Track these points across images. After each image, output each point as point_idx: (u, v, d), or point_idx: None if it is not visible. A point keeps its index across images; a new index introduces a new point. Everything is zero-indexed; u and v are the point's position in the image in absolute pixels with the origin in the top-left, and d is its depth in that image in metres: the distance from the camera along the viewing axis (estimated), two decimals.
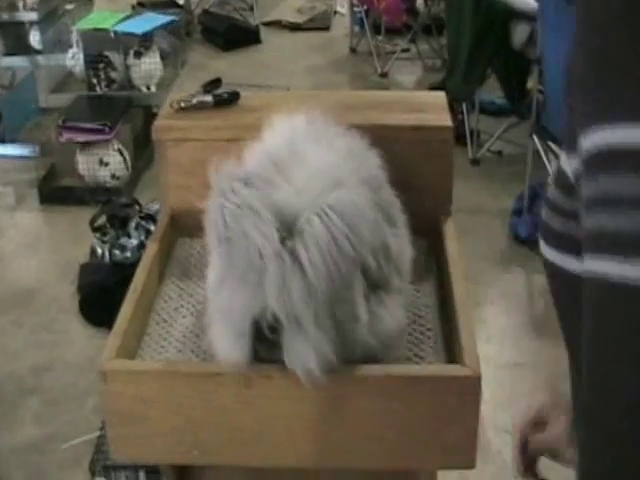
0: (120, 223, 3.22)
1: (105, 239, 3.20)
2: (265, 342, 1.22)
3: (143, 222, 3.22)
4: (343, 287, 1.20)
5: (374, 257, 1.27)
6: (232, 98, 1.76)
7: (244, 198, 1.18)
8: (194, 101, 1.73)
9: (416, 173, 1.65)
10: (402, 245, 1.39)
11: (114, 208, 3.26)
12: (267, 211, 1.18)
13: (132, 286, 1.48)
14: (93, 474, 2.00)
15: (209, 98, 1.74)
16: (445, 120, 1.67)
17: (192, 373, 1.28)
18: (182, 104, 1.72)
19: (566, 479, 1.10)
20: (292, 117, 1.39)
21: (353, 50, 5.95)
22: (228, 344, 1.25)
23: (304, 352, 1.19)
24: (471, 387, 1.27)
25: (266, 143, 1.36)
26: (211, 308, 1.30)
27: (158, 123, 1.69)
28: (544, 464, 1.24)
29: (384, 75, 5.48)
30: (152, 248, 1.60)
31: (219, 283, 1.26)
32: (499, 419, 2.64)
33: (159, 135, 1.68)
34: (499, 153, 4.36)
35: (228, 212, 1.18)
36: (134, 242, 3.16)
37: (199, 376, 1.28)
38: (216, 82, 1.81)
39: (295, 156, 1.29)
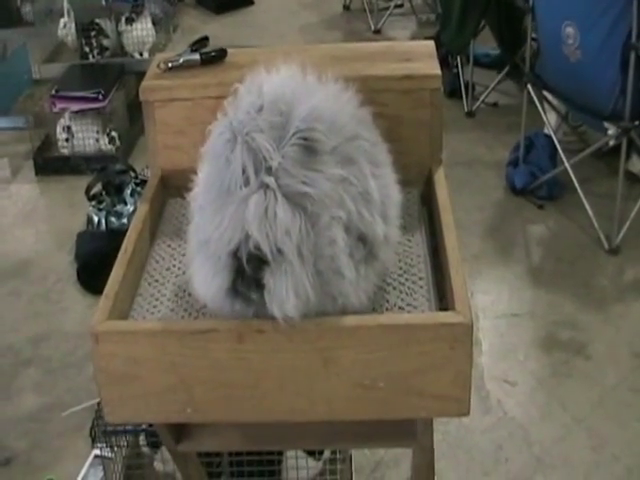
0: (115, 190, 3.20)
1: (101, 207, 3.19)
2: (245, 279, 1.21)
3: (139, 188, 3.21)
4: (325, 242, 1.20)
5: (354, 203, 1.25)
6: (219, 56, 1.74)
7: (240, 126, 1.20)
8: (181, 60, 1.71)
9: (406, 123, 1.64)
10: (387, 187, 1.36)
11: (109, 175, 3.24)
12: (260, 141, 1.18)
13: (123, 248, 1.47)
14: (93, 440, 2.00)
15: (196, 57, 1.72)
16: (433, 68, 1.65)
17: (183, 331, 1.28)
18: (169, 64, 1.70)
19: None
20: (272, 71, 1.37)
21: (346, 7, 5.89)
22: (206, 278, 1.25)
23: (284, 291, 1.19)
24: (463, 333, 1.26)
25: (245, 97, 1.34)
26: (191, 243, 1.30)
27: (145, 84, 1.68)
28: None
29: (378, 32, 5.43)
30: (142, 209, 1.59)
31: (199, 213, 1.26)
32: (498, 369, 2.65)
33: (146, 96, 1.67)
34: (494, 105, 4.33)
35: (221, 138, 1.20)
36: (130, 209, 3.15)
37: (191, 333, 1.27)
38: (203, 41, 1.79)
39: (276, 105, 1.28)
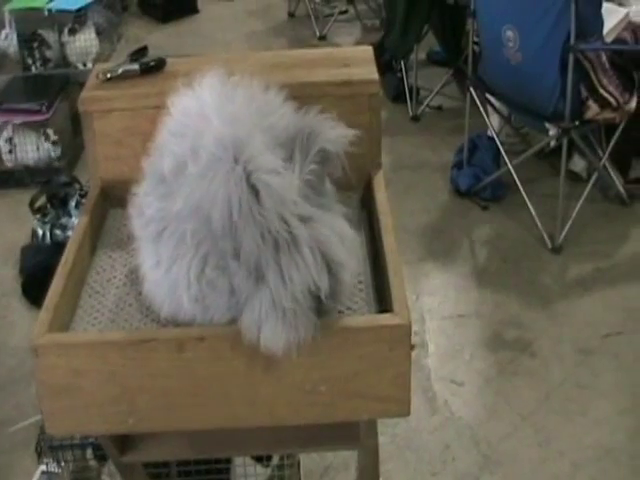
0: (60, 203, 3.18)
1: (46, 220, 3.16)
2: None
3: (84, 200, 3.18)
4: None
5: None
6: (159, 65, 1.74)
7: None
8: (120, 71, 1.71)
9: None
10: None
11: (53, 188, 3.22)
12: None
13: (63, 259, 1.47)
14: (39, 456, 1.98)
15: (135, 67, 1.72)
16: (371, 73, 1.67)
17: (123, 341, 1.28)
18: (108, 74, 1.70)
19: None
20: (201, 83, 1.39)
21: (292, 14, 5.90)
22: None
23: None
24: (402, 335, 1.28)
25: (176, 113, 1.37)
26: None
27: (84, 95, 1.68)
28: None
29: (323, 38, 5.46)
30: (83, 221, 1.59)
31: None
32: (445, 370, 2.67)
33: (85, 107, 1.67)
34: (439, 108, 4.37)
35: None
36: (75, 221, 3.12)
37: (131, 343, 1.28)
38: (143, 50, 1.79)
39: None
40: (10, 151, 3.87)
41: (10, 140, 3.87)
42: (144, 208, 1.34)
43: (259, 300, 1.22)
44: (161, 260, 1.30)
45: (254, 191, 1.20)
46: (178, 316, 1.31)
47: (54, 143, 3.89)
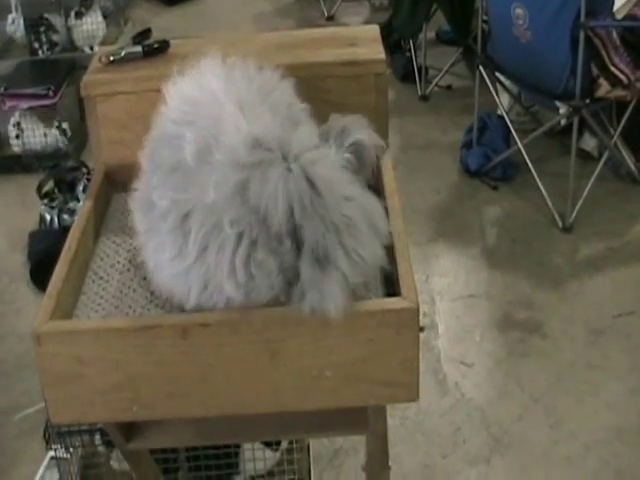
0: (68, 187, 3.17)
1: (53, 205, 3.16)
2: None
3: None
4: None
5: None
6: (162, 47, 1.73)
7: None
8: (123, 53, 1.69)
9: (351, 108, 1.60)
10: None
11: (61, 172, 3.21)
12: None
13: (66, 245, 1.46)
14: (47, 442, 1.98)
15: (138, 49, 1.70)
16: (378, 53, 1.64)
17: (127, 328, 1.27)
18: (111, 57, 1.68)
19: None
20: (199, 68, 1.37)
21: None
22: None
23: None
24: (409, 319, 1.26)
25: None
26: None
27: (86, 78, 1.66)
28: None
29: (331, 18, 5.41)
30: (86, 205, 1.57)
31: None
32: (455, 352, 2.66)
33: (88, 90, 1.65)
34: (448, 87, 4.34)
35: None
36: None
37: (134, 330, 1.26)
38: (146, 33, 1.78)
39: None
40: (17, 136, 3.86)
41: (18, 125, 3.86)
42: (155, 201, 1.30)
43: (328, 282, 1.22)
44: (186, 251, 1.26)
45: (313, 186, 1.20)
46: (209, 304, 1.28)
47: (61, 128, 3.87)
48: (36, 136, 3.87)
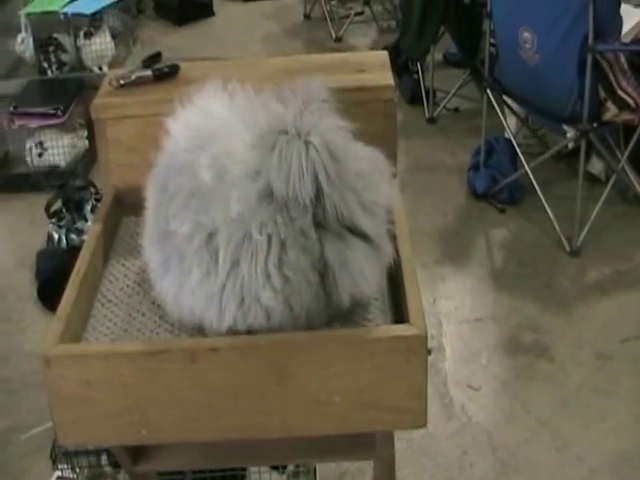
0: (75, 207, 3.18)
1: (61, 224, 3.17)
2: None
3: (99, 204, 3.18)
4: None
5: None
6: (172, 71, 1.74)
7: None
8: (133, 77, 1.71)
9: (360, 134, 1.62)
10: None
11: (69, 192, 3.22)
12: None
13: (75, 269, 1.46)
14: (54, 462, 1.98)
15: (148, 73, 1.71)
16: (387, 79, 1.66)
17: (135, 352, 1.27)
18: (121, 81, 1.70)
19: None
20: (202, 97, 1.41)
21: (307, 16, 5.90)
22: None
23: None
24: (418, 346, 1.26)
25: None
26: None
27: (97, 101, 1.67)
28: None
29: (339, 39, 5.44)
30: (95, 229, 1.58)
31: None
32: (461, 375, 2.65)
33: (98, 113, 1.67)
34: (456, 110, 4.35)
35: None
36: (91, 225, 3.13)
37: (143, 354, 1.26)
38: (156, 56, 1.79)
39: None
40: (40, 155, 3.88)
41: (41, 144, 3.87)
42: (175, 229, 1.30)
43: (353, 256, 1.28)
44: (216, 269, 1.27)
45: (332, 155, 1.26)
46: (246, 323, 1.28)
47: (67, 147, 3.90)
48: (55, 154, 3.88)
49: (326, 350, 1.25)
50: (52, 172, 3.87)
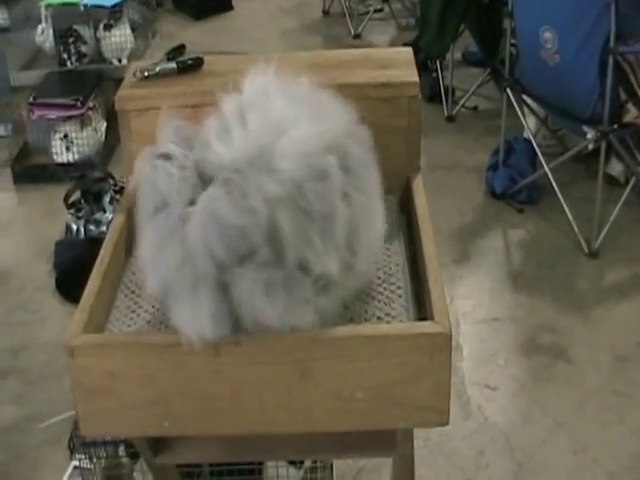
0: (94, 198, 3.19)
1: (80, 215, 3.17)
2: None
3: (117, 196, 3.19)
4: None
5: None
6: (196, 64, 1.74)
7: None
8: (157, 69, 1.71)
9: (384, 130, 1.62)
10: (364, 214, 1.31)
11: (87, 183, 3.23)
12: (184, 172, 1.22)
13: (99, 259, 1.46)
14: (72, 451, 1.99)
15: (173, 65, 1.71)
16: (411, 76, 1.65)
17: (160, 344, 1.27)
18: (145, 73, 1.70)
19: None
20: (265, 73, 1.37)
21: (326, 12, 5.89)
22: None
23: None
24: (442, 343, 1.25)
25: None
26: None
27: (121, 93, 1.67)
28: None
29: (358, 36, 5.43)
30: (118, 220, 1.58)
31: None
32: (479, 375, 2.64)
33: (122, 105, 1.66)
34: (475, 108, 4.34)
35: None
36: (109, 216, 3.13)
37: (167, 346, 1.26)
38: (180, 49, 1.79)
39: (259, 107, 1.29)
40: (68, 148, 3.89)
41: (65, 136, 3.88)
42: None
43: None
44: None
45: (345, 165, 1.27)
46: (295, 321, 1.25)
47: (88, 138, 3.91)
48: (79, 146, 3.89)
49: (350, 346, 1.25)
50: (75, 164, 3.87)
